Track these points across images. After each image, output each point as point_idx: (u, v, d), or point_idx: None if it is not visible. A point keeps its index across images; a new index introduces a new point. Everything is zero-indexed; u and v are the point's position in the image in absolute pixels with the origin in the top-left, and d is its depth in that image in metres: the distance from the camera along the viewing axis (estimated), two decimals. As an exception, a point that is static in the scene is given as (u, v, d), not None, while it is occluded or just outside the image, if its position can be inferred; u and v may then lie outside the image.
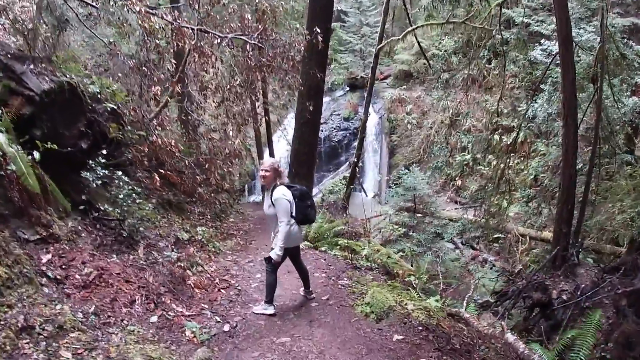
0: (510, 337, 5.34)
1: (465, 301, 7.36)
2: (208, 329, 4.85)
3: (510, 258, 14.97)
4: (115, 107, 6.12)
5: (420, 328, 4.97)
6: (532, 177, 16.49)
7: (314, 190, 16.38)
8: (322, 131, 21.61)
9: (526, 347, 5.05)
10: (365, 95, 23.19)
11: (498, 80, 20.85)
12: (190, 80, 9.43)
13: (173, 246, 6.45)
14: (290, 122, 17.17)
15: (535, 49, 14.18)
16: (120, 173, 5.73)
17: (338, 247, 7.75)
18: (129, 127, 6.60)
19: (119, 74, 7.18)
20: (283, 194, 5.04)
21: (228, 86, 8.82)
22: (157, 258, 5.71)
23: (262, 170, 5.18)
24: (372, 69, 12.87)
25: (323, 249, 7.80)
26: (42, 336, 3.62)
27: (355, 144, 22.77)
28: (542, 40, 13.66)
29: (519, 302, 8.58)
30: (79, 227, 5.27)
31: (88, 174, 5.37)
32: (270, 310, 5.37)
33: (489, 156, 19.95)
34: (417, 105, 22.00)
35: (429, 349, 4.58)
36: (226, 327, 4.96)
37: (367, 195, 20.74)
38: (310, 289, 5.90)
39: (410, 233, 13.63)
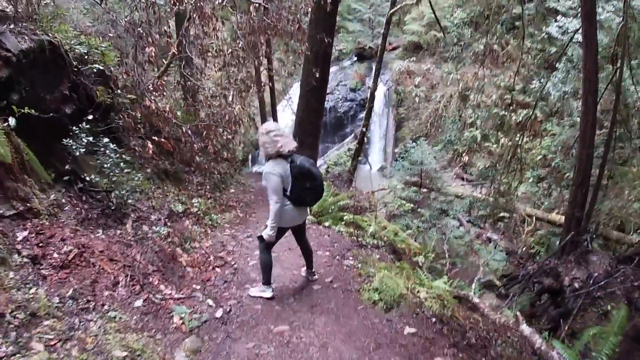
0: (526, 329, 4.90)
1: (474, 284, 6.93)
2: (199, 315, 4.40)
3: (515, 238, 14.62)
4: (102, 69, 5.54)
5: (434, 320, 4.51)
6: (540, 156, 15.95)
7: (319, 162, 15.82)
8: (328, 101, 20.89)
9: (544, 342, 4.60)
10: (375, 65, 22.52)
11: (513, 55, 20.05)
12: (189, 43, 8.81)
13: (166, 219, 5.97)
14: (295, 91, 16.49)
15: (552, 25, 13.47)
16: (107, 140, 5.19)
17: (343, 222, 7.23)
18: (120, 91, 6.03)
19: (110, 34, 6.56)
20: (272, 168, 4.38)
21: (230, 50, 8.18)
22: (147, 233, 5.25)
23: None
24: (383, 35, 12.05)
25: (327, 224, 7.24)
26: (12, 325, 3.19)
27: (362, 115, 22.17)
28: (559, 17, 12.94)
29: (528, 286, 8.15)
30: (62, 200, 4.80)
31: (72, 141, 4.85)
32: (268, 293, 4.89)
33: (498, 133, 19.42)
34: (425, 78, 21.24)
35: (443, 344, 4.13)
36: (219, 313, 4.51)
37: (372, 168, 20.19)
38: (313, 270, 5.41)
39: (416, 208, 13.21)
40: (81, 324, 3.55)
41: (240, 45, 7.95)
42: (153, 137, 6.36)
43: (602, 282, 6.82)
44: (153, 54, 6.73)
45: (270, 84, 12.74)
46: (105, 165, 5.11)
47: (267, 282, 4.90)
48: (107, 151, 5.15)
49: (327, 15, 8.79)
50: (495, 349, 4.25)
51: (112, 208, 5.16)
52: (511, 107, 18.79)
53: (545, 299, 7.89)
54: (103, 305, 3.86)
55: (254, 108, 18.70)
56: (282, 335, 4.17)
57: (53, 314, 3.48)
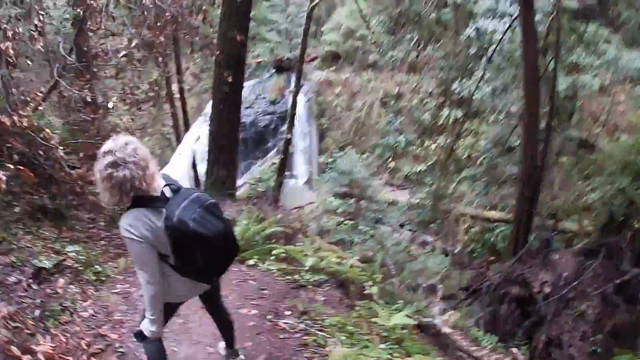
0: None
1: (435, 308, 5.80)
2: None
3: (451, 238, 13.99)
4: None
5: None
6: (465, 156, 15.50)
7: (240, 181, 14.17)
8: (248, 116, 19.36)
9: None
10: (294, 75, 21.32)
11: (430, 60, 19.65)
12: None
13: (31, 280, 4.17)
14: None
15: (471, 27, 13.01)
16: None
17: (273, 257, 5.67)
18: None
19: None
20: (129, 226, 2.41)
21: (122, 52, 6.49)
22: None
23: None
24: (304, 31, 10.57)
25: (252, 262, 5.58)
26: None
27: (284, 128, 20.84)
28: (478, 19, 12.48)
29: (494, 298, 7.15)
30: None
31: None
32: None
33: (422, 137, 18.88)
34: (346, 87, 20.33)
35: None
36: None
37: (298, 182, 18.85)
38: (236, 348, 3.52)
39: (347, 220, 12.13)
40: None
41: (133, 45, 6.27)
42: (8, 165, 4.52)
43: (574, 283, 6.00)
44: (11, 51, 4.97)
45: (180, 96, 10.99)
46: None
47: None
48: None
49: (240, 10, 7.34)
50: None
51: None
52: (430, 111, 18.40)
53: (513, 309, 6.92)
54: None
55: (168, 127, 16.79)
56: None
57: None
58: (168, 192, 2.46)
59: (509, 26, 9.04)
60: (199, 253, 2.45)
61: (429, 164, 13.22)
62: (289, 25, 21.96)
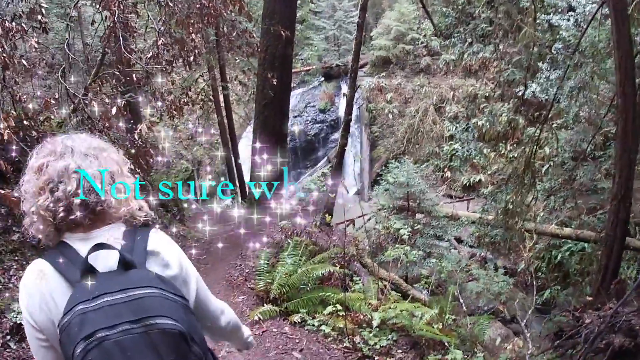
0: None
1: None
2: None
3: (513, 254, 12.41)
4: None
5: None
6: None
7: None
8: (297, 124, 18.31)
9: None
10: (345, 82, 20.03)
11: (486, 62, 17.86)
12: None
13: (9, 336, 3.01)
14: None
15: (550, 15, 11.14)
16: None
17: (327, 313, 4.17)
18: None
19: None
20: (21, 290, 1.11)
21: (150, 53, 5.40)
22: None
23: None
24: (359, 25, 8.70)
25: (298, 318, 4.11)
26: None
27: (334, 137, 19.60)
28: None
29: (592, 349, 5.47)
30: None
31: None
32: None
33: (480, 144, 17.11)
34: (398, 93, 18.82)
35: None
36: None
37: (348, 192, 17.50)
38: None
39: (406, 236, 10.76)
40: None
41: (160, 42, 5.14)
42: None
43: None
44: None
45: (225, 104, 9.90)
46: None
47: None
48: None
49: (285, 2, 6.09)
50: None
51: None
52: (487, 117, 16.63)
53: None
54: None
55: (216, 136, 15.93)
56: None
57: None
58: (107, 259, 1.09)
59: (596, 11, 7.34)
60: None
61: (501, 177, 11.53)
62: (337, 31, 20.69)
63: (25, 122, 4.31)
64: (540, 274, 11.55)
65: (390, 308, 3.81)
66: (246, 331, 1.56)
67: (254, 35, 5.71)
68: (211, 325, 1.34)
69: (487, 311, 10.44)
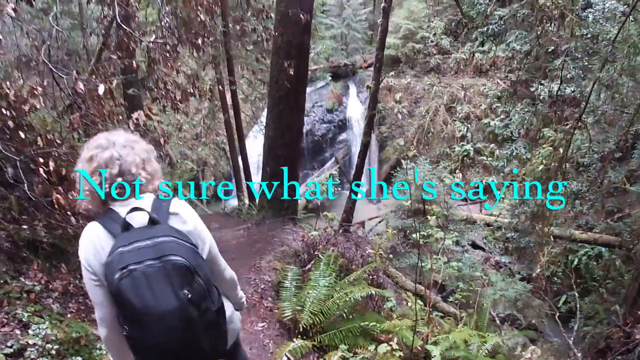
0: None
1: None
2: None
3: (527, 259, 11.68)
4: None
5: None
6: (542, 167, 12.98)
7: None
8: (304, 124, 17.54)
9: None
10: (351, 82, 19.26)
11: (497, 62, 17.10)
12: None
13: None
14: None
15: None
16: None
17: (370, 349, 3.22)
18: None
19: None
20: (80, 244, 1.58)
21: (154, 36, 4.66)
22: None
23: None
24: (384, 9, 7.71)
25: (337, 357, 3.10)
26: None
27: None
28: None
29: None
30: None
31: None
32: None
33: (492, 145, 16.36)
34: (407, 93, 18.05)
35: None
36: None
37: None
38: None
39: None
40: None
41: (164, 23, 4.41)
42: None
43: None
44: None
45: (232, 102, 9.11)
46: None
47: None
48: None
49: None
50: None
51: None
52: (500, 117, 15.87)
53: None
54: None
55: (222, 136, 15.19)
56: None
57: None
58: (140, 218, 1.58)
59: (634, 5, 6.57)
60: (137, 325, 1.48)
61: (529, 179, 10.85)
62: (345, 29, 19.91)
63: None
64: (556, 279, 10.91)
65: (442, 339, 3.03)
66: (241, 293, 2.00)
67: (271, 15, 4.95)
68: (218, 277, 1.78)
69: (505, 318, 9.82)
